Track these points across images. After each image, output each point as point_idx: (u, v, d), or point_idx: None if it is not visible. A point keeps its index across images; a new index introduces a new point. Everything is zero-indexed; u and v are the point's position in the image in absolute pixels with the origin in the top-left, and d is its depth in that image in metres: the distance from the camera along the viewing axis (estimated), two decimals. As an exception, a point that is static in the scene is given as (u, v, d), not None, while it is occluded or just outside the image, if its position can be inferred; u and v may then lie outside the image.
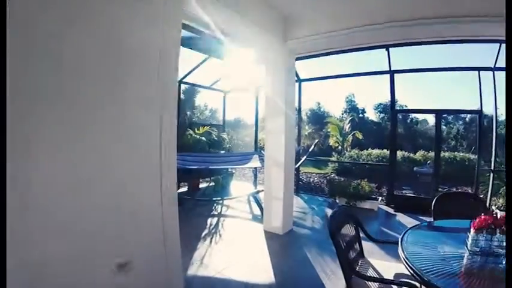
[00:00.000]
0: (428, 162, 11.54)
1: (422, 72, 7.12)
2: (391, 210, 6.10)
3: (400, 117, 30.93)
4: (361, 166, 11.92)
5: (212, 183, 7.44)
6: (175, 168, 2.14)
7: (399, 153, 12.56)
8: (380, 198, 6.75)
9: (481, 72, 6.10)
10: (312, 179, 10.94)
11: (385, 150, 12.85)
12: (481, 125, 6.66)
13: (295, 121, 5.14)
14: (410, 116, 29.79)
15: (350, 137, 20.48)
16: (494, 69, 5.94)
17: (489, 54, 5.88)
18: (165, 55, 2.02)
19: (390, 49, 5.82)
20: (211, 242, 4.14)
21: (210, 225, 4.88)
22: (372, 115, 31.68)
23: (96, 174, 1.68)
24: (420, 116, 29.03)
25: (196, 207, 5.84)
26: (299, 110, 7.69)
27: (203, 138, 7.81)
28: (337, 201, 6.53)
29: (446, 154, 12.40)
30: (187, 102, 23.71)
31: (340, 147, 20.00)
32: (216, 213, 5.62)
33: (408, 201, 6.57)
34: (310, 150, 6.78)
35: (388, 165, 6.94)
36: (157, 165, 1.99)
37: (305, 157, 6.43)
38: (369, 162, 12.22)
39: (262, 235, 4.39)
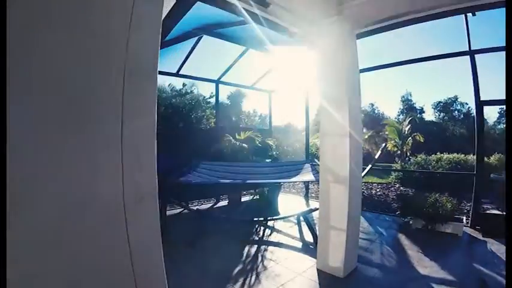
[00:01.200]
0: None
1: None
2: (478, 235, 4.66)
3: (462, 115, 27.55)
4: (431, 175, 10.01)
5: (256, 196, 6.32)
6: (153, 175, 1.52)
7: (469, 158, 10.50)
8: (464, 218, 5.15)
9: None
10: (373, 191, 9.42)
11: (457, 155, 10.88)
12: None
13: (362, 120, 3.77)
14: (473, 114, 26.32)
15: (410, 140, 18.49)
16: None
17: None
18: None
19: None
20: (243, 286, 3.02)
21: (247, 257, 3.75)
22: (429, 115, 29.09)
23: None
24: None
25: (233, 230, 4.76)
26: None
27: (245, 145, 6.72)
28: (411, 222, 5.04)
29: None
30: (233, 107, 23.19)
31: (399, 152, 18.04)
32: (257, 238, 4.49)
33: (496, 222, 4.93)
34: (376, 157, 5.39)
35: (474, 173, 5.29)
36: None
37: (370, 166, 5.11)
38: (439, 169, 10.26)
39: (315, 278, 3.17)
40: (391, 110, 41.34)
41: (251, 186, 6.42)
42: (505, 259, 3.74)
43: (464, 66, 5.15)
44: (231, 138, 6.66)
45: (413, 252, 3.87)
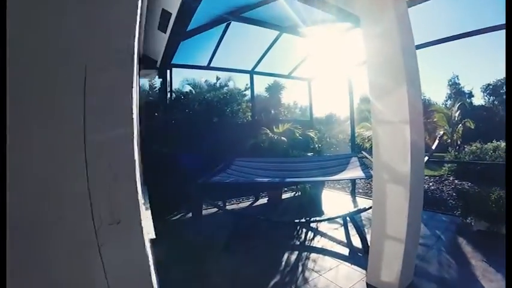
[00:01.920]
0: None
1: None
2: None
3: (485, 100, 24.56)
4: (489, 166, 8.83)
5: (298, 193, 5.81)
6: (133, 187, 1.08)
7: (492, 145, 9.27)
8: None
9: None
10: (425, 185, 8.46)
11: None
12: None
13: (421, 103, 3.12)
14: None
15: (460, 127, 17.04)
16: None
17: None
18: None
19: None
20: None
21: (286, 265, 3.32)
22: (478, 100, 26.64)
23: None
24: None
25: (272, 232, 4.35)
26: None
27: (283, 138, 6.26)
28: (472, 223, 4.33)
29: None
30: (271, 99, 22.56)
31: (449, 140, 16.63)
32: (298, 242, 4.04)
33: None
34: (434, 147, 4.68)
35: None
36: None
37: (427, 158, 4.44)
38: (498, 160, 9.05)
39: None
40: (437, 95, 38.51)
41: (292, 183, 5.95)
42: None
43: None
44: (268, 131, 6.23)
45: (476, 261, 3.25)
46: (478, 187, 7.41)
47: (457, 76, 27.18)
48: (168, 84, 5.70)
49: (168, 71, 5.61)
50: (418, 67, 2.77)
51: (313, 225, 4.54)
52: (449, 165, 9.90)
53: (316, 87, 7.86)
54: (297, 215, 4.78)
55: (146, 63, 5.20)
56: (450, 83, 27.48)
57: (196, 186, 4.32)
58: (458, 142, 16.61)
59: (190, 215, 5.20)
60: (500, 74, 28.73)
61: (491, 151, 9.48)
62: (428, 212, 5.28)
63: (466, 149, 10.12)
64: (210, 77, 14.61)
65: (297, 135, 6.65)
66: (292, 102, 26.53)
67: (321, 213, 5.14)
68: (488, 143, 10.07)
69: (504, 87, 24.99)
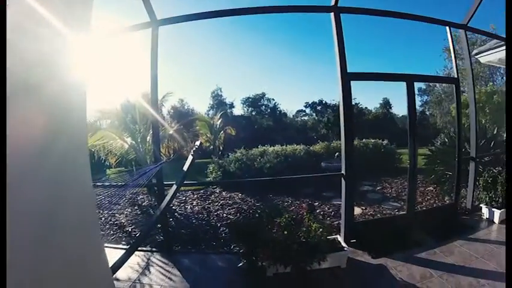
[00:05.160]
0: (337, 154, 9.16)
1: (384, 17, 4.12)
2: (366, 257, 3.56)
3: (269, 109, 30.01)
4: (258, 172, 8.34)
5: None
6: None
7: (297, 149, 9.77)
8: (341, 239, 3.70)
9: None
10: (188, 206, 6.63)
11: (283, 147, 9.74)
12: (459, 97, 4.85)
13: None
14: (280, 108, 29.62)
15: (222, 134, 17.63)
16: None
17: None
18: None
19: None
20: None
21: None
22: (239, 110, 30.51)
23: None
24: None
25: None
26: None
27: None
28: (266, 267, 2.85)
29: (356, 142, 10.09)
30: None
31: (212, 147, 16.76)
32: None
33: (374, 227, 4.23)
34: (190, 161, 2.91)
35: (342, 174, 3.77)
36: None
37: (185, 172, 2.70)
38: (267, 165, 8.61)
39: None
40: (201, 106, 41.34)
41: None
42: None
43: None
44: None
45: None
46: (251, 198, 6.41)
47: (220, 88, 29.49)
48: None
49: None
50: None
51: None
52: (213, 175, 8.86)
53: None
54: None
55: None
56: (213, 94, 29.45)
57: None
58: (221, 148, 17.03)
59: None
60: (259, 89, 34.06)
61: (259, 156, 9.06)
62: (195, 255, 3.40)
63: (230, 156, 9.38)
64: None
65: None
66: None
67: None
68: (254, 148, 9.77)
69: (261, 101, 29.62)
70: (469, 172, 4.98)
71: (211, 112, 27.03)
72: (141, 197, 7.22)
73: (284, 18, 47.03)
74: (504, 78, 19.01)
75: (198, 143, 3.24)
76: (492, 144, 6.11)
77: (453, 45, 4.99)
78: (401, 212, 5.26)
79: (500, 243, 3.83)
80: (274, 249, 2.95)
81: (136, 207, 6.30)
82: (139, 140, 7.64)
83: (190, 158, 3.11)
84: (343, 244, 3.48)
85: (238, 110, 29.56)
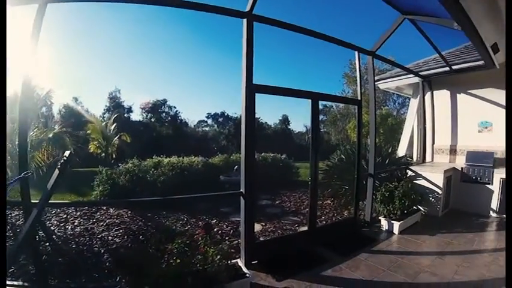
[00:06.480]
0: (236, 167, 9.03)
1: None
2: (270, 280, 3.29)
3: (169, 117, 28.74)
4: (151, 186, 7.63)
5: None
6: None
7: (194, 160, 9.32)
8: (242, 263, 3.45)
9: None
10: (70, 227, 5.42)
11: (180, 158, 9.12)
12: (360, 118, 5.28)
13: None
14: (181, 117, 28.62)
15: (116, 141, 15.94)
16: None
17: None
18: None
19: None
20: None
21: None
22: (137, 115, 28.50)
23: None
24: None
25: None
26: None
27: None
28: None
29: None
30: None
31: (104, 155, 14.96)
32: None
33: (277, 246, 4.11)
34: (55, 177, 2.27)
35: (241, 192, 3.53)
36: None
37: (47, 196, 2.06)
38: (161, 178, 7.96)
39: None
40: (97, 107, 36.86)
41: None
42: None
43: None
44: None
45: None
46: (142, 216, 5.74)
47: (119, 90, 27.00)
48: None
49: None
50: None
51: None
52: (100, 188, 7.69)
53: None
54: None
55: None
56: (111, 96, 26.74)
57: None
58: (114, 156, 15.34)
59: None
60: (161, 95, 32.21)
61: (153, 168, 8.27)
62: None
63: (120, 167, 8.32)
64: None
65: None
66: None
67: None
68: (148, 159, 8.92)
69: (162, 108, 28.11)
70: (367, 187, 5.29)
71: (106, 115, 24.46)
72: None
73: (198, 19, 46.20)
74: (396, 103, 22.75)
75: (67, 153, 2.58)
76: (387, 161, 6.76)
77: (359, 70, 5.29)
78: (302, 228, 5.28)
79: (402, 253, 4.02)
80: (165, 284, 2.49)
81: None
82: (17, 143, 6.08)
83: (56, 172, 2.45)
84: (244, 269, 3.17)
85: (137, 116, 27.67)
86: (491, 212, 5.80)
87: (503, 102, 6.15)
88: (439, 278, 3.31)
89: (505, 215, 5.43)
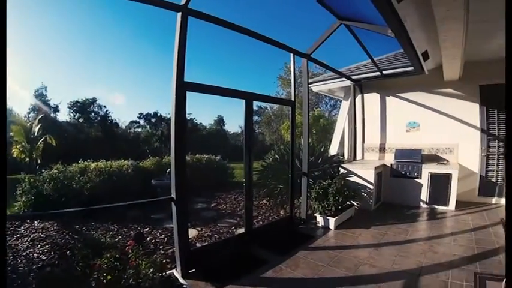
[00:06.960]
0: (168, 170, 8.58)
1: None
2: None
3: (99, 117, 26.54)
4: (78, 194, 6.90)
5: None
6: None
7: (115, 164, 8.65)
8: (178, 273, 3.32)
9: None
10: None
11: (108, 162, 8.44)
12: (293, 118, 5.40)
13: None
14: (111, 117, 26.81)
15: (41, 144, 14.57)
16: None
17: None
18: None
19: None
20: None
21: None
22: (64, 115, 26.16)
23: None
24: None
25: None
26: None
27: None
28: None
29: (188, 157, 9.75)
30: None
31: (28, 160, 13.55)
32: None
33: (214, 251, 3.97)
34: None
35: (172, 197, 3.36)
36: None
37: None
38: (88, 185, 7.32)
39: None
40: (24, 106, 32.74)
41: None
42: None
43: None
44: None
45: None
46: (69, 228, 5.25)
47: (46, 87, 24.49)
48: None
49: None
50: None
51: None
52: (23, 198, 6.81)
53: None
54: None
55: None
56: (37, 93, 24.19)
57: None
58: (39, 161, 13.95)
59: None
60: (90, 93, 29.66)
61: (79, 174, 7.58)
62: None
63: (44, 174, 7.49)
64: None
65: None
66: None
67: None
68: (74, 164, 8.18)
69: (91, 107, 26.01)
70: (301, 185, 5.44)
71: (32, 115, 22.04)
72: None
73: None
74: (328, 105, 24.20)
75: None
76: (320, 160, 7.02)
77: (294, 72, 5.39)
78: (240, 230, 5.22)
79: (340, 247, 4.12)
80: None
81: None
82: None
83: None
84: (181, 280, 3.02)
85: (64, 116, 25.44)
86: (421, 203, 6.35)
87: (430, 105, 6.94)
88: (379, 269, 3.42)
89: (435, 206, 6.13)
